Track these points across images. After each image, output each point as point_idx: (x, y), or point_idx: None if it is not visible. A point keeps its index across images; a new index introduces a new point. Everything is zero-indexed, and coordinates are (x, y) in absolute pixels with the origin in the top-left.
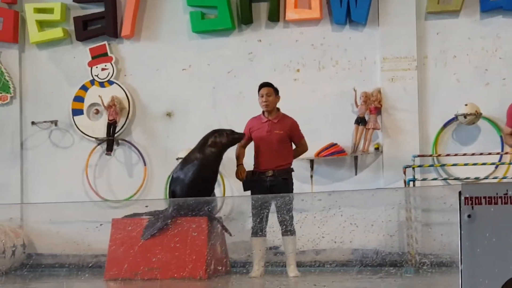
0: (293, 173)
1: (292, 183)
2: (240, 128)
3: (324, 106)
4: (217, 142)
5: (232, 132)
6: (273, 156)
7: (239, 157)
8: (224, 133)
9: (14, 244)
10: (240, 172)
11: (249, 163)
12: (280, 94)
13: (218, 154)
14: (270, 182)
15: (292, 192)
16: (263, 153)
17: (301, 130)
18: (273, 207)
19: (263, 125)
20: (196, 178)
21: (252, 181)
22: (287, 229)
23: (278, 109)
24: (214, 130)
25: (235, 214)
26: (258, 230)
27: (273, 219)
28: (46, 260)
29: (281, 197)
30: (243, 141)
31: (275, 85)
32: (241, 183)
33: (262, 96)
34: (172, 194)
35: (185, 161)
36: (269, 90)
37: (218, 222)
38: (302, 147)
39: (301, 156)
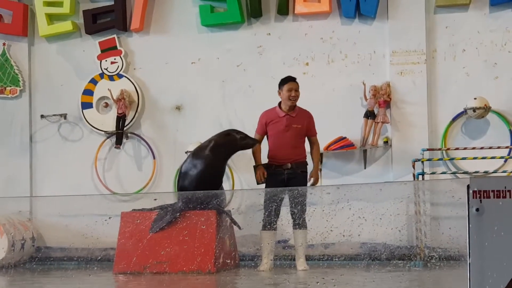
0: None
1: (307, 177)
2: (250, 121)
3: (333, 99)
4: (228, 144)
5: (245, 136)
6: (291, 149)
7: (256, 155)
8: (237, 136)
9: (23, 237)
10: (260, 175)
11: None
12: None
13: (228, 155)
14: (288, 175)
15: (306, 184)
16: (281, 147)
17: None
18: (285, 201)
19: (281, 119)
20: (204, 175)
21: (269, 175)
22: (299, 223)
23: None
24: (228, 131)
25: (244, 208)
26: (268, 223)
27: (282, 213)
28: (55, 253)
29: (294, 190)
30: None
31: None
32: (251, 176)
33: (290, 91)
34: (181, 188)
35: (194, 157)
36: (297, 85)
37: (227, 215)
38: (317, 144)
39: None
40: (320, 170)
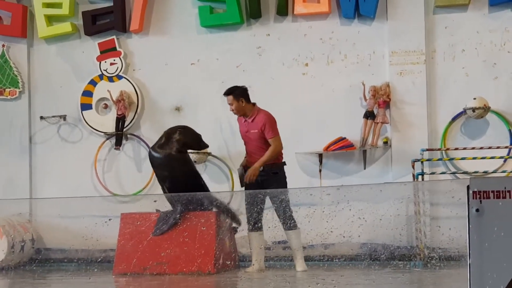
0: (285, 167)
1: (285, 177)
2: None
3: (332, 100)
4: (180, 140)
5: (199, 138)
6: (257, 153)
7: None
8: (189, 133)
9: (23, 239)
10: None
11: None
12: (287, 89)
13: (181, 150)
14: (261, 177)
15: (285, 186)
16: (249, 151)
17: (275, 127)
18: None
19: (243, 125)
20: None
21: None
22: (287, 224)
23: (253, 105)
24: (178, 126)
25: (244, 209)
26: (255, 225)
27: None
28: (55, 255)
29: (277, 192)
30: None
31: (283, 78)
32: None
33: (228, 104)
34: (163, 190)
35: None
36: (228, 99)
37: (227, 213)
38: (272, 145)
39: (309, 150)
40: (320, 170)
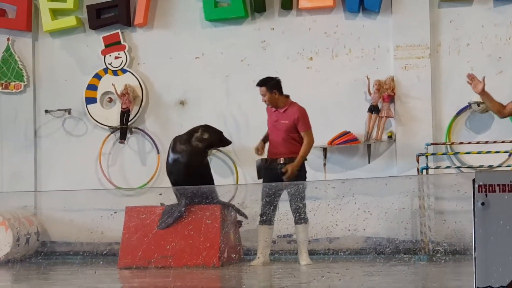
0: (306, 161)
1: (305, 171)
2: (253, 116)
3: (337, 94)
4: (203, 138)
5: (221, 134)
6: (282, 145)
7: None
8: (211, 131)
9: (28, 232)
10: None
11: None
12: (291, 83)
13: (203, 149)
14: (281, 169)
15: (305, 180)
16: (274, 142)
17: (308, 121)
18: (285, 195)
19: (273, 114)
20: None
21: (265, 169)
22: (300, 217)
23: (287, 97)
24: (202, 126)
25: (249, 202)
26: (267, 218)
27: (286, 207)
28: (60, 248)
29: (294, 185)
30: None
31: (288, 72)
32: (254, 170)
33: (261, 96)
34: (173, 184)
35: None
36: (261, 90)
37: (232, 208)
38: (305, 139)
39: (314, 144)
40: (324, 164)
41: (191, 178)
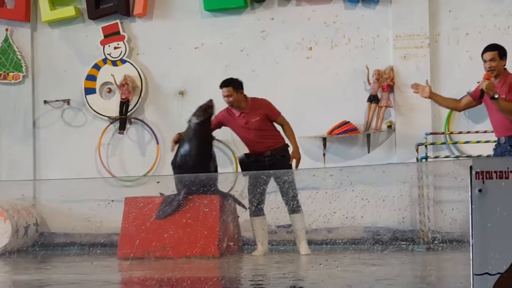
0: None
1: (289, 157)
2: None
3: (336, 84)
4: (198, 121)
5: (199, 108)
6: (263, 141)
7: None
8: (196, 113)
9: (26, 222)
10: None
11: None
12: (291, 73)
13: (205, 128)
14: (269, 161)
15: (290, 168)
16: (252, 142)
17: (274, 107)
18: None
19: (238, 119)
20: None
21: (249, 163)
22: (293, 207)
23: (245, 97)
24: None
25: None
26: (257, 209)
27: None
28: (59, 238)
29: (279, 175)
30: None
31: (287, 62)
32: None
33: (225, 97)
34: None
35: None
36: (227, 90)
37: (230, 198)
38: (284, 124)
39: (313, 134)
40: (324, 154)
41: (192, 154)
